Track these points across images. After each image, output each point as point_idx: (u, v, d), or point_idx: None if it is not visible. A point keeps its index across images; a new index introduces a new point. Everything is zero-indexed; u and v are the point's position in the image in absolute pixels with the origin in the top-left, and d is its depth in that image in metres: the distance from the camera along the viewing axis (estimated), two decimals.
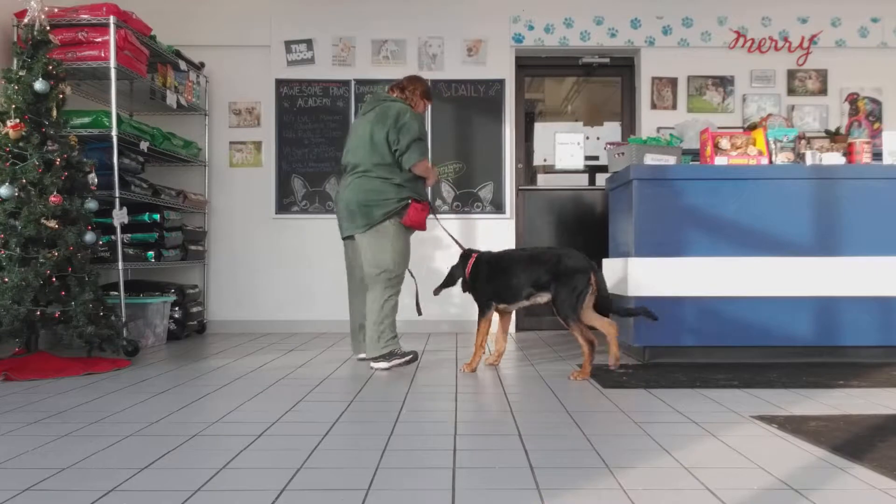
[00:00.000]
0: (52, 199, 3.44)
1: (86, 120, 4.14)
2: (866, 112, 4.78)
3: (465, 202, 5.49)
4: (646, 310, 3.45)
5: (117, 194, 4.12)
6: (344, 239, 3.94)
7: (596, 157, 5.59)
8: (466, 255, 3.73)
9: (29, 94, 3.50)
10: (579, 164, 5.61)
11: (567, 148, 5.61)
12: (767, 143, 3.85)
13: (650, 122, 5.51)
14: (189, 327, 5.00)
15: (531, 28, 5.51)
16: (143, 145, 4.43)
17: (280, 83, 5.49)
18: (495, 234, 5.45)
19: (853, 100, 4.89)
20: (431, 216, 3.88)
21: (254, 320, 5.41)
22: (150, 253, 4.58)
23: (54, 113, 3.60)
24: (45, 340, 3.83)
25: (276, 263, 5.47)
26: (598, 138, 5.63)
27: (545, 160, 5.70)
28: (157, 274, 5.15)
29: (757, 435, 2.19)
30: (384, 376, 3.35)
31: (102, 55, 4.07)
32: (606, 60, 5.63)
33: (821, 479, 1.75)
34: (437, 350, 4.31)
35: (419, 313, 3.93)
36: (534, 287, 3.45)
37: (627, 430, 2.27)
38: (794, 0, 5.49)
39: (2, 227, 3.41)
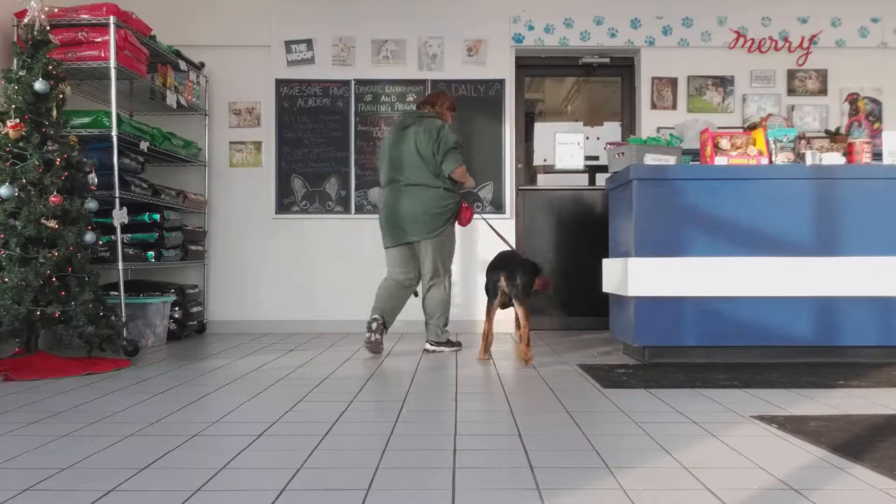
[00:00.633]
0: (52, 199, 3.44)
1: (86, 120, 4.15)
2: (866, 112, 4.78)
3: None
4: None
5: (117, 194, 4.12)
6: (388, 248, 4.30)
7: (596, 157, 5.59)
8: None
9: (29, 94, 3.50)
10: (579, 164, 5.61)
11: (567, 148, 5.61)
12: (767, 143, 3.85)
13: (650, 122, 5.51)
14: (189, 327, 5.00)
15: (531, 28, 5.51)
16: (143, 145, 4.43)
17: (280, 83, 5.49)
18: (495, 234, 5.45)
19: (853, 100, 4.90)
20: (478, 216, 4.55)
21: (254, 320, 5.41)
22: (150, 253, 4.58)
23: (54, 113, 3.60)
24: (45, 340, 3.83)
25: (276, 263, 5.47)
26: (598, 138, 5.63)
27: (545, 160, 5.71)
28: (157, 274, 5.15)
29: (757, 435, 2.19)
30: (384, 376, 3.35)
31: (102, 55, 4.07)
32: (606, 60, 5.63)
33: (821, 479, 1.75)
34: (437, 350, 4.30)
35: (416, 295, 4.36)
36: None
37: (627, 430, 2.27)
38: (794, 0, 5.49)
39: (2, 227, 3.41)
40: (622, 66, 5.71)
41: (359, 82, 5.50)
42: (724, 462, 1.90)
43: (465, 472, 1.81)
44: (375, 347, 4.00)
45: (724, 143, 3.86)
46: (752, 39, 5.50)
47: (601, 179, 5.44)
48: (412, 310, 5.44)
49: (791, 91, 5.54)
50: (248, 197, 5.50)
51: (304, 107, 5.50)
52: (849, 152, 3.93)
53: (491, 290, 3.86)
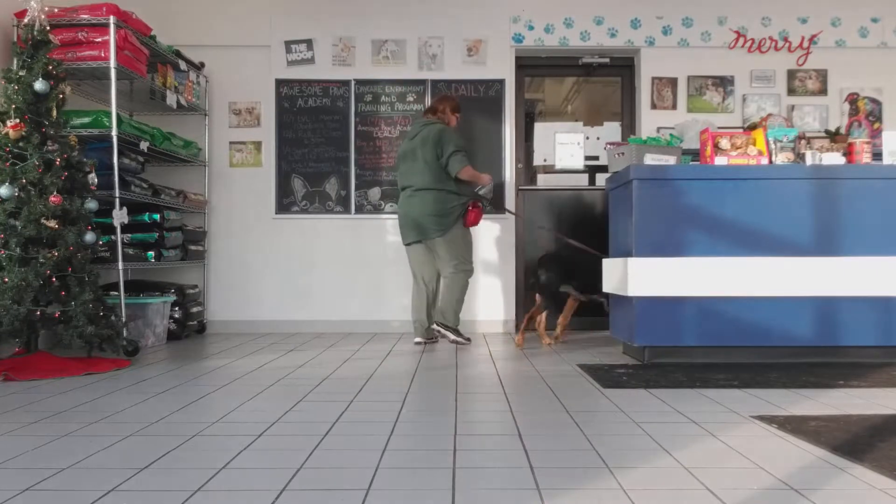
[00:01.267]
0: (52, 199, 3.44)
1: (86, 120, 4.14)
2: (866, 112, 4.78)
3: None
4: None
5: (117, 194, 4.12)
6: (407, 244, 4.64)
7: (596, 157, 5.59)
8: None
9: (29, 94, 3.50)
10: (579, 164, 5.61)
11: (567, 148, 5.61)
12: (767, 143, 3.84)
13: (650, 122, 5.51)
14: (189, 327, 5.00)
15: (531, 28, 5.51)
16: (143, 145, 4.43)
17: (280, 83, 5.49)
18: (495, 233, 5.46)
19: (853, 100, 4.89)
20: (509, 212, 5.11)
21: (254, 320, 5.41)
22: (150, 253, 4.58)
23: (54, 113, 3.60)
24: (45, 340, 3.83)
25: (277, 263, 5.47)
26: (598, 138, 5.63)
27: (545, 160, 5.70)
28: (157, 274, 5.15)
29: (757, 435, 2.19)
30: (384, 376, 3.35)
31: (102, 55, 4.07)
32: (606, 60, 5.63)
33: (821, 479, 1.75)
34: (437, 350, 4.31)
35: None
36: None
37: (627, 430, 2.27)
38: (794, 0, 5.49)
39: (2, 227, 3.41)
40: (622, 66, 5.71)
41: (359, 82, 5.50)
42: (724, 462, 1.90)
43: (465, 472, 1.81)
44: (429, 344, 4.55)
45: (724, 143, 3.86)
46: (752, 39, 5.50)
47: (601, 179, 5.44)
48: (410, 311, 5.45)
49: (791, 91, 5.54)
50: (248, 197, 5.50)
51: (304, 107, 5.50)
52: (849, 152, 3.93)
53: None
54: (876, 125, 4.87)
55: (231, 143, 5.52)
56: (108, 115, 4.12)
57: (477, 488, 1.69)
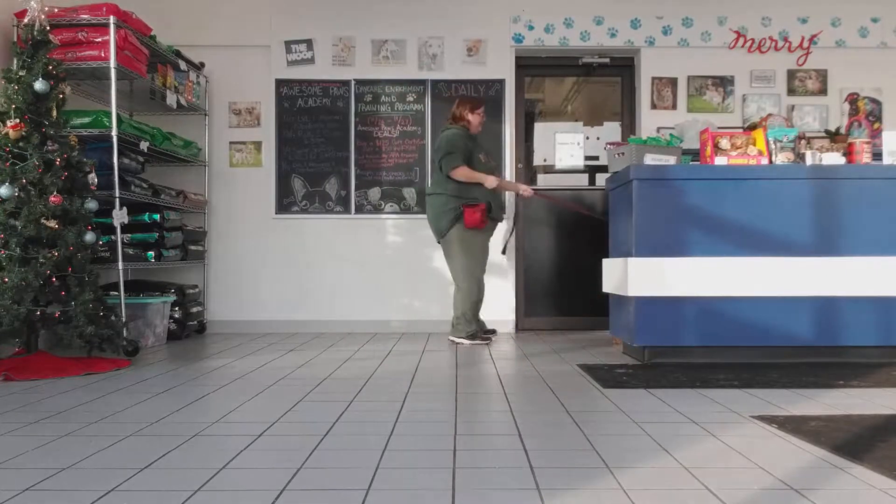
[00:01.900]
0: (52, 199, 3.44)
1: (86, 120, 4.14)
2: (866, 112, 4.78)
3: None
4: None
5: (117, 194, 4.12)
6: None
7: (596, 157, 5.59)
8: None
9: (29, 94, 3.50)
10: (579, 164, 5.61)
11: (567, 148, 5.61)
12: (767, 143, 3.84)
13: (650, 122, 5.51)
14: (189, 327, 5.00)
15: (531, 28, 5.51)
16: (143, 145, 4.43)
17: (280, 83, 5.49)
18: (495, 233, 5.45)
19: (853, 100, 4.90)
20: (537, 195, 4.99)
21: (254, 320, 5.41)
22: (150, 253, 4.58)
23: (54, 113, 3.60)
24: (45, 340, 3.83)
25: (276, 263, 5.47)
26: (598, 138, 5.63)
27: (545, 160, 5.71)
28: (157, 274, 5.15)
29: (757, 435, 2.19)
30: (384, 376, 3.35)
31: (102, 55, 4.07)
32: (606, 60, 5.63)
33: (821, 479, 1.75)
34: (437, 350, 4.31)
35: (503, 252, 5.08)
36: None
37: (627, 430, 2.27)
38: (794, 0, 5.49)
39: (2, 227, 3.41)
40: (622, 66, 5.71)
41: (359, 82, 5.50)
42: (724, 462, 1.90)
43: (465, 472, 1.81)
44: (487, 342, 4.63)
45: (724, 143, 3.86)
46: (752, 39, 5.50)
47: (601, 179, 5.44)
48: (411, 310, 5.46)
49: (791, 91, 5.54)
50: (248, 197, 5.50)
51: (304, 107, 5.50)
52: (849, 152, 3.93)
53: None
54: (876, 125, 4.88)
55: (231, 143, 5.52)
56: (108, 115, 4.12)
57: (477, 488, 1.69)
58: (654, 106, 5.54)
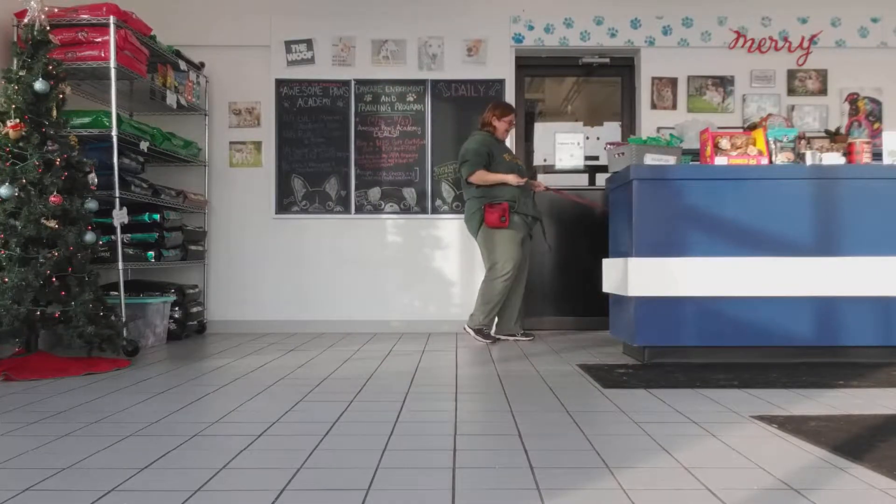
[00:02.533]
0: (52, 199, 3.44)
1: (86, 120, 4.14)
2: (866, 112, 4.78)
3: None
4: None
5: (117, 194, 4.12)
6: None
7: (596, 157, 5.59)
8: None
9: (29, 94, 3.50)
10: (579, 164, 5.61)
11: (567, 148, 5.61)
12: (767, 143, 3.84)
13: (650, 122, 5.51)
14: (189, 327, 5.00)
15: (531, 28, 5.51)
16: (143, 145, 4.43)
17: (280, 83, 5.49)
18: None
19: (853, 100, 4.89)
20: (551, 190, 5.09)
21: (254, 320, 5.41)
22: (150, 253, 4.58)
23: (54, 113, 3.60)
24: (45, 340, 3.83)
25: (277, 263, 5.47)
26: (598, 138, 5.63)
27: (545, 160, 5.70)
28: (157, 274, 5.15)
29: (757, 435, 2.19)
30: (384, 376, 3.35)
31: (102, 55, 4.07)
32: (606, 60, 5.63)
33: (821, 479, 1.75)
34: (437, 350, 4.31)
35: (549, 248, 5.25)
36: None
37: (627, 430, 2.27)
38: (794, 0, 5.49)
39: (2, 227, 3.41)
40: (622, 66, 5.71)
41: (359, 82, 5.50)
42: (724, 462, 1.90)
43: (465, 472, 1.81)
44: (494, 340, 4.71)
45: (724, 143, 3.86)
46: (752, 39, 5.50)
47: (601, 179, 5.44)
48: (411, 310, 5.45)
49: (791, 91, 5.54)
50: (248, 197, 5.50)
51: (304, 107, 5.50)
52: (849, 152, 3.93)
53: None
54: (876, 125, 4.87)
55: (231, 143, 5.52)
56: (108, 115, 4.12)
57: (477, 488, 1.69)
58: (654, 106, 5.54)
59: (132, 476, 1.78)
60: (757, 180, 3.72)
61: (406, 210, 5.48)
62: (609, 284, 4.16)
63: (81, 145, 3.92)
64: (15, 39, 4.06)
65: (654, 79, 5.53)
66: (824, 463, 1.88)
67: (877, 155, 3.96)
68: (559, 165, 5.63)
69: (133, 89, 4.81)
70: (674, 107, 5.52)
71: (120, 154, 4.17)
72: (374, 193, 5.48)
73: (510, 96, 5.50)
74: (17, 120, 3.46)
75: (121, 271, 4.10)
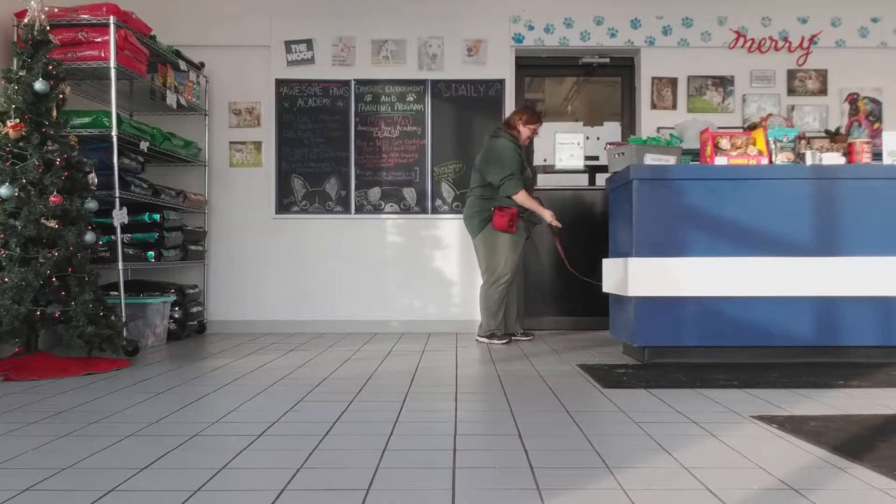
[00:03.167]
0: (52, 199, 3.44)
1: (86, 120, 4.14)
2: (866, 112, 4.78)
3: (466, 202, 5.49)
4: None
5: (117, 194, 4.12)
6: None
7: (596, 157, 5.58)
8: None
9: (29, 94, 3.50)
10: (579, 164, 5.60)
11: (567, 148, 5.60)
12: (767, 143, 3.84)
13: (650, 122, 5.51)
14: (189, 327, 5.00)
15: (531, 28, 5.51)
16: (143, 145, 4.43)
17: (280, 83, 5.49)
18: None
19: (853, 100, 4.90)
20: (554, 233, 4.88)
21: (254, 320, 5.41)
22: (150, 253, 4.58)
23: (54, 113, 3.60)
24: (45, 340, 3.83)
25: (277, 263, 5.47)
26: (598, 138, 5.63)
27: (545, 160, 5.70)
28: (157, 274, 5.15)
29: (757, 435, 2.19)
30: (384, 376, 3.35)
31: (102, 55, 4.07)
32: (606, 60, 5.63)
33: (821, 479, 1.75)
34: (437, 350, 4.31)
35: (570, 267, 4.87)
36: None
37: (627, 430, 2.27)
38: (794, 0, 5.49)
39: (2, 227, 3.41)
40: (622, 66, 5.71)
41: (359, 82, 5.50)
42: (724, 462, 1.90)
43: (465, 472, 1.81)
44: (508, 341, 4.67)
45: (724, 143, 3.86)
46: (752, 39, 5.50)
47: (601, 179, 5.44)
48: (411, 310, 5.45)
49: (791, 91, 5.54)
50: (248, 197, 5.50)
51: (304, 107, 5.50)
52: (849, 152, 3.93)
53: None
54: (876, 125, 4.88)
55: (231, 143, 5.52)
56: (108, 115, 4.12)
57: (477, 488, 1.69)
58: (654, 106, 5.54)
59: (132, 476, 1.78)
60: (757, 180, 3.72)
61: (406, 210, 5.48)
62: (609, 284, 4.16)
63: (81, 145, 3.92)
64: (15, 39, 4.06)
65: (654, 79, 5.53)
66: (824, 463, 1.88)
67: (877, 155, 3.96)
68: (559, 165, 5.62)
69: (133, 89, 4.81)
70: (674, 107, 5.52)
71: (120, 154, 4.17)
72: (374, 193, 5.48)
73: (510, 96, 5.50)
74: (17, 120, 3.46)
75: (121, 271, 4.10)
